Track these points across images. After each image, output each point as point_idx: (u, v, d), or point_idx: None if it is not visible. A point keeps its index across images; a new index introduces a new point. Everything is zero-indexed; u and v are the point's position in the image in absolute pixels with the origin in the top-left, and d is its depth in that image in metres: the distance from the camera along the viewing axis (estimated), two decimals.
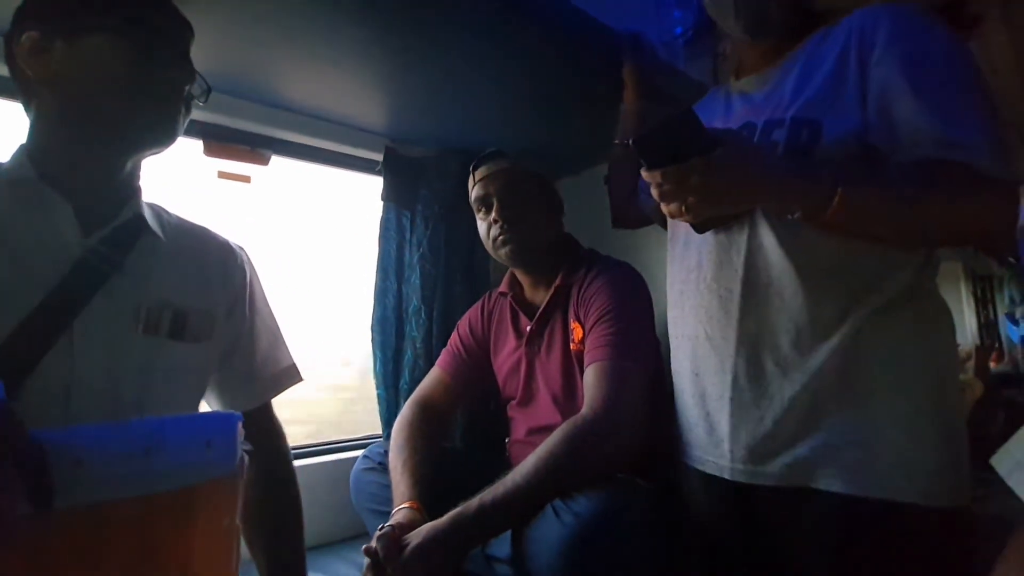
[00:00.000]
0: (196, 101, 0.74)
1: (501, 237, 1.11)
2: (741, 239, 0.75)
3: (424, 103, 1.24)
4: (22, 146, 0.68)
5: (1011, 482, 0.45)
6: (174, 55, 0.71)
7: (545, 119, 1.32)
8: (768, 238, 0.72)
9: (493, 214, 1.12)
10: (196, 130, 1.18)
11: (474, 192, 1.16)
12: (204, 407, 0.84)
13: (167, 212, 0.80)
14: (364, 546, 0.84)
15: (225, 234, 0.86)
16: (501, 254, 1.13)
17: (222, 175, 1.28)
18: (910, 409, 0.66)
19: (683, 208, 0.63)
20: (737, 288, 0.74)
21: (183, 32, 0.74)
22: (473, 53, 1.01)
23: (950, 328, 0.72)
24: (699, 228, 0.74)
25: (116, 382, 0.66)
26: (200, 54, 0.75)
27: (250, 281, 0.86)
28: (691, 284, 0.81)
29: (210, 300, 0.78)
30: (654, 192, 0.65)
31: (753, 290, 0.73)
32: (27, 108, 0.69)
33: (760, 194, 0.65)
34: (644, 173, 0.64)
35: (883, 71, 0.66)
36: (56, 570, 0.48)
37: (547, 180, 1.18)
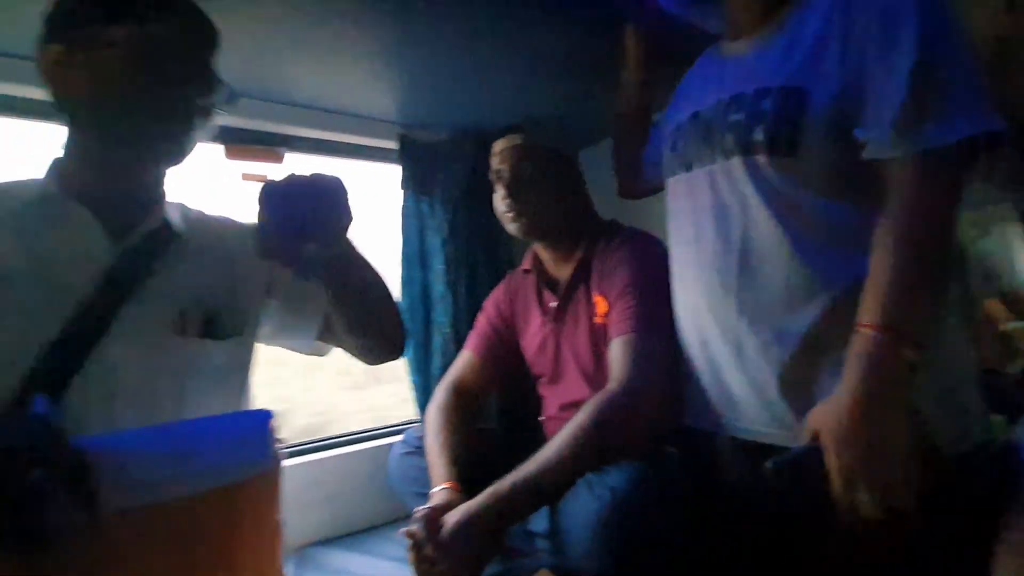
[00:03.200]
0: (221, 109, 0.74)
1: (510, 213, 1.11)
2: (736, 211, 0.75)
3: (435, 87, 1.24)
4: (54, 160, 0.71)
5: None
6: (191, 69, 0.71)
7: (559, 91, 1.29)
8: (762, 210, 0.72)
9: (502, 190, 1.12)
10: (216, 134, 1.20)
11: (492, 167, 1.16)
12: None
13: (190, 209, 0.81)
14: (404, 529, 0.86)
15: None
16: (511, 229, 1.14)
17: (246, 177, 1.30)
18: None
19: None
20: (734, 259, 0.75)
21: (204, 43, 0.73)
22: (481, 31, 1.00)
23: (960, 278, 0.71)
24: None
25: (155, 384, 0.69)
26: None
27: None
28: (690, 256, 0.82)
29: (240, 295, 0.79)
30: None
31: (750, 261, 0.74)
32: (58, 113, 0.71)
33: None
34: None
35: (861, 27, 0.65)
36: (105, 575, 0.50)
37: (563, 154, 1.15)
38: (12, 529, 0.44)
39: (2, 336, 0.61)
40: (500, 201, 1.13)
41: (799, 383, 0.71)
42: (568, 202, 1.13)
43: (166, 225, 0.73)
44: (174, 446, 0.56)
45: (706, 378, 0.82)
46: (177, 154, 0.72)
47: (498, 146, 1.14)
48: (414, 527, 0.85)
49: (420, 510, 0.88)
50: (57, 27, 0.67)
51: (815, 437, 0.63)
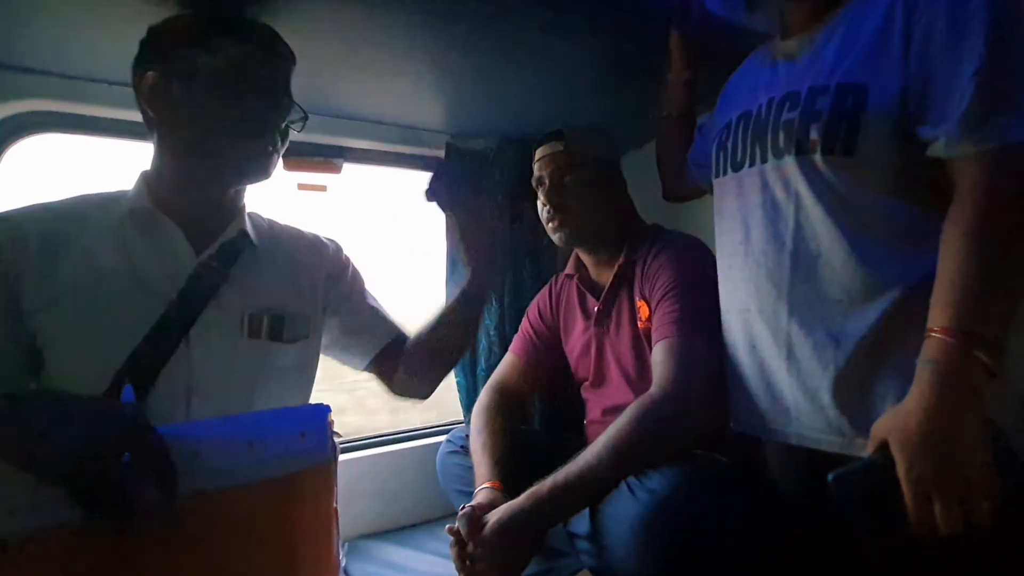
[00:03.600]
0: (293, 128, 0.80)
1: (551, 221, 1.13)
2: (789, 211, 0.73)
3: (481, 96, 1.27)
4: (143, 174, 0.78)
5: None
6: (277, 97, 0.77)
7: (603, 95, 1.29)
8: (816, 209, 0.71)
9: (542, 197, 1.14)
10: None
11: (534, 173, 1.18)
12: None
13: (263, 219, 0.88)
14: (447, 526, 0.89)
15: (320, 231, 0.94)
16: (553, 235, 1.15)
17: (301, 187, 1.38)
18: None
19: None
20: (787, 261, 0.74)
21: (285, 68, 0.80)
22: (524, 39, 1.02)
23: None
24: None
25: (228, 383, 0.75)
26: None
27: (346, 266, 0.93)
28: (739, 257, 0.81)
29: (305, 302, 0.85)
30: None
31: (802, 261, 0.72)
32: (150, 132, 0.78)
33: None
34: None
35: (926, 22, 0.62)
36: (181, 551, 0.56)
37: (604, 160, 1.15)
38: (104, 506, 0.50)
39: (100, 334, 0.68)
40: (541, 208, 1.15)
41: (854, 389, 0.69)
42: (609, 208, 1.13)
43: (242, 235, 0.80)
44: (243, 435, 0.61)
45: (754, 382, 0.81)
46: (261, 173, 0.79)
47: (539, 153, 1.16)
48: (456, 525, 0.89)
49: (463, 508, 0.91)
50: (152, 55, 0.74)
51: (882, 447, 0.60)
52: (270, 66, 0.78)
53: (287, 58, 0.80)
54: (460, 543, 0.87)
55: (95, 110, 1.09)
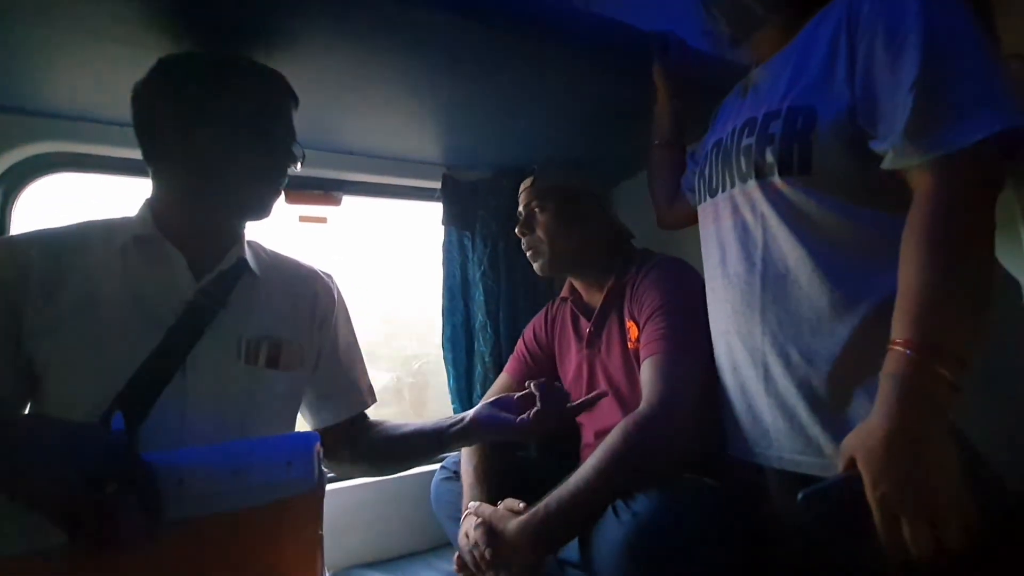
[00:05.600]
0: (293, 169, 0.83)
1: (528, 252, 1.19)
2: (757, 232, 0.75)
3: (476, 129, 1.31)
4: (147, 201, 0.79)
5: None
6: (285, 142, 0.81)
7: (595, 127, 1.33)
8: (781, 229, 0.72)
9: (518, 230, 1.20)
10: None
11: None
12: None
13: (263, 248, 0.90)
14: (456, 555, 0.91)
15: (314, 264, 0.96)
16: (534, 267, 1.20)
17: (303, 219, 1.42)
18: None
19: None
20: (757, 281, 0.75)
21: (288, 111, 0.83)
22: (517, 78, 1.06)
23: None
24: None
25: (222, 408, 0.76)
26: None
27: (336, 303, 0.94)
28: (718, 280, 0.83)
29: (299, 331, 0.86)
30: None
31: (772, 281, 0.73)
32: (149, 164, 0.78)
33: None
34: None
35: (866, 42, 0.64)
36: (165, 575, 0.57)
37: (576, 192, 1.18)
38: (89, 532, 0.51)
39: (99, 359, 0.69)
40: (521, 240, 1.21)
41: (830, 408, 0.68)
42: (583, 236, 1.16)
43: (241, 262, 0.81)
44: (228, 463, 0.62)
45: (738, 405, 0.81)
46: (262, 213, 0.82)
47: (519, 190, 1.23)
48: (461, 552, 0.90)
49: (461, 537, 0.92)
50: (162, 89, 0.76)
51: (851, 465, 0.59)
52: (282, 115, 0.81)
53: (293, 102, 0.84)
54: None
55: (106, 150, 1.15)
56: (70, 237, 0.74)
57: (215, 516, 0.60)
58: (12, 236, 0.77)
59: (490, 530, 0.89)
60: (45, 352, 0.68)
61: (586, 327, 1.16)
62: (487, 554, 0.87)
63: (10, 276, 0.68)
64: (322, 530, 0.72)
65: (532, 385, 0.90)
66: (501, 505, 0.94)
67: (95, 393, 0.68)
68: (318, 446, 0.71)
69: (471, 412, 0.91)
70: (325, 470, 0.76)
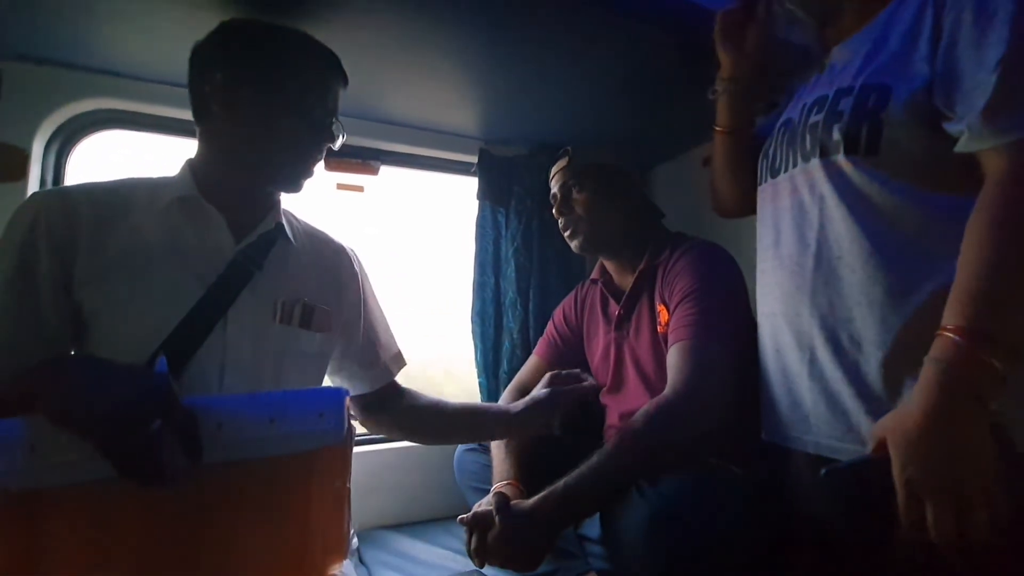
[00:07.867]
0: (332, 144, 0.85)
1: (565, 232, 1.18)
2: (814, 213, 0.72)
3: (515, 104, 1.30)
4: (188, 162, 0.82)
5: None
6: (326, 122, 0.83)
7: (636, 107, 1.30)
8: (839, 210, 0.69)
9: (555, 209, 1.19)
10: None
11: (551, 189, 1.23)
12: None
13: (296, 218, 0.93)
14: (460, 517, 0.91)
15: (341, 238, 0.98)
16: (571, 245, 1.19)
17: (340, 187, 1.44)
18: None
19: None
20: (809, 263, 0.73)
21: (336, 85, 0.85)
22: (561, 51, 1.04)
23: None
24: None
25: (258, 363, 0.79)
26: None
27: (360, 278, 0.97)
28: (769, 262, 0.81)
29: (330, 297, 0.89)
30: None
31: (825, 263, 0.71)
32: (198, 125, 0.81)
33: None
34: None
35: (953, 16, 0.61)
36: (202, 516, 0.59)
37: (611, 172, 1.16)
38: (133, 468, 0.53)
39: (144, 308, 0.72)
40: (558, 219, 1.19)
41: (879, 395, 0.66)
42: (619, 216, 1.15)
43: (279, 226, 0.84)
44: (265, 411, 0.64)
45: (778, 388, 0.79)
46: (293, 184, 0.84)
47: (552, 171, 1.21)
48: (468, 516, 0.90)
49: (480, 504, 0.93)
50: (221, 54, 0.78)
51: (881, 446, 0.58)
52: (328, 95, 0.83)
53: (344, 85, 0.85)
54: (482, 530, 0.88)
55: (156, 108, 1.18)
56: (118, 192, 0.77)
57: (250, 461, 0.62)
58: (65, 187, 0.81)
59: (506, 503, 0.90)
60: (93, 300, 0.71)
61: (615, 309, 1.16)
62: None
63: (63, 225, 0.71)
64: (350, 483, 0.73)
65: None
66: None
67: (140, 340, 0.71)
68: (348, 399, 0.73)
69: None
70: (353, 425, 0.78)
